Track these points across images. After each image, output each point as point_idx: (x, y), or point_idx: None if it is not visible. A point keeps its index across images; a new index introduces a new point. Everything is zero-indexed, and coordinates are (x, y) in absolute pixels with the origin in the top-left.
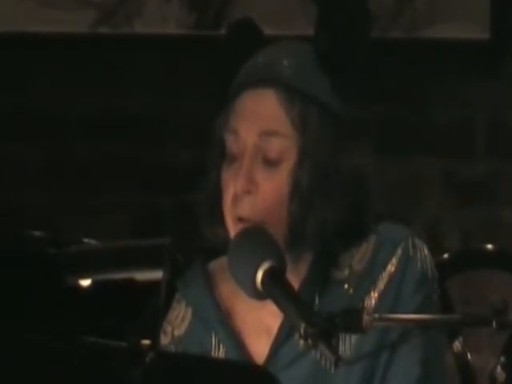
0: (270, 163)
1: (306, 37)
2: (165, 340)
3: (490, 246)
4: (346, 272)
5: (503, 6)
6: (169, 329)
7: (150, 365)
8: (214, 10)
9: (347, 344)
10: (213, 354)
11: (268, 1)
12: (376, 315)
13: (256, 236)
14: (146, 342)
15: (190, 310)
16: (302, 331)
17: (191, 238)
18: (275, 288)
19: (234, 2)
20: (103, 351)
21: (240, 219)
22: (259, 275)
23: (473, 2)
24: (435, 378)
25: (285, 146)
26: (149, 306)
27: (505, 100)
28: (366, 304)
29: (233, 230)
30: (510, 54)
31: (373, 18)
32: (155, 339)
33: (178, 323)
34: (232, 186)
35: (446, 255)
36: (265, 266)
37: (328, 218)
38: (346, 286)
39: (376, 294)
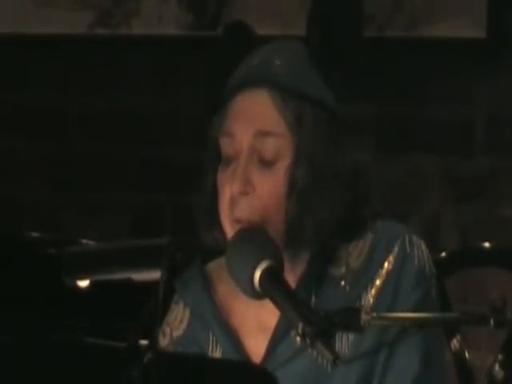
0: (266, 164)
1: (302, 37)
2: (163, 341)
3: (488, 244)
4: (343, 269)
5: (500, 5)
6: (167, 330)
7: (148, 365)
8: (212, 10)
9: (345, 342)
10: (210, 353)
11: (265, 1)
12: (374, 314)
13: (253, 236)
14: (145, 342)
15: (188, 311)
16: (299, 330)
17: (191, 238)
18: (273, 287)
19: (232, 3)
20: (102, 351)
21: (238, 220)
22: (257, 275)
23: (470, 0)
24: (434, 376)
25: (280, 145)
26: (147, 307)
27: (503, 96)
28: (363, 301)
29: (230, 231)
30: (508, 52)
31: (366, 16)
32: (153, 339)
33: (177, 324)
34: (228, 188)
35: (444, 253)
36: (262, 265)
37: (326, 217)
38: (342, 283)
39: (373, 291)
